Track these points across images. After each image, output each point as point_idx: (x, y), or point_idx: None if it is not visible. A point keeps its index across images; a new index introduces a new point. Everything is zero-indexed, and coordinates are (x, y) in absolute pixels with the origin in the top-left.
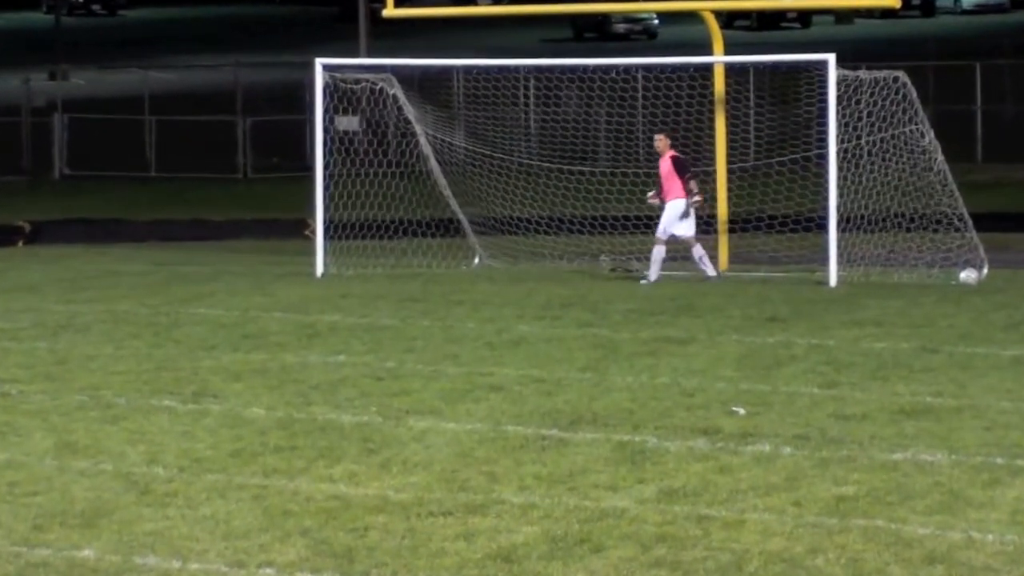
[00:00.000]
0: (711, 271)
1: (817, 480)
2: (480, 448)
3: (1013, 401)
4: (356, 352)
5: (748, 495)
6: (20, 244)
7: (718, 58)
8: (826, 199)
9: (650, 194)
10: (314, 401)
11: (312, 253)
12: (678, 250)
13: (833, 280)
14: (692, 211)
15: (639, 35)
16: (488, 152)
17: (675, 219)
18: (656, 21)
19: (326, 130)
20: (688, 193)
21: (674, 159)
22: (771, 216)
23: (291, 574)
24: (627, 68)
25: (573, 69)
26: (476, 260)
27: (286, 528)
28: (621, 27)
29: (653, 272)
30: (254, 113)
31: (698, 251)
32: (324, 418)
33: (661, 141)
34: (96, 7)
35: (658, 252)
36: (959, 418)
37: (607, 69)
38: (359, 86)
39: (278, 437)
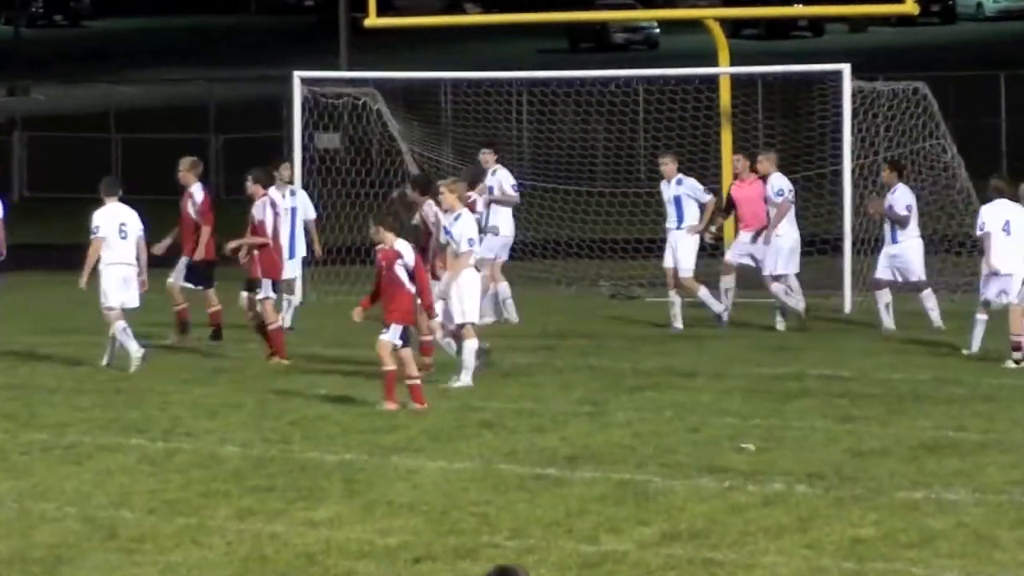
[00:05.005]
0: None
1: (832, 521)
2: (471, 488)
3: None
4: (335, 386)
5: (758, 537)
6: None
7: (724, 69)
8: (841, 219)
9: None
10: (293, 439)
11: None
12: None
13: (848, 306)
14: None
15: (639, 45)
16: None
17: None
18: (657, 30)
19: (305, 148)
20: None
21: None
22: None
23: None
24: (627, 81)
25: (569, 82)
26: None
27: None
28: (620, 37)
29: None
30: (228, 131)
31: None
32: (304, 456)
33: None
34: (58, 18)
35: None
36: (984, 454)
37: (605, 82)
38: (340, 101)
39: (255, 477)
